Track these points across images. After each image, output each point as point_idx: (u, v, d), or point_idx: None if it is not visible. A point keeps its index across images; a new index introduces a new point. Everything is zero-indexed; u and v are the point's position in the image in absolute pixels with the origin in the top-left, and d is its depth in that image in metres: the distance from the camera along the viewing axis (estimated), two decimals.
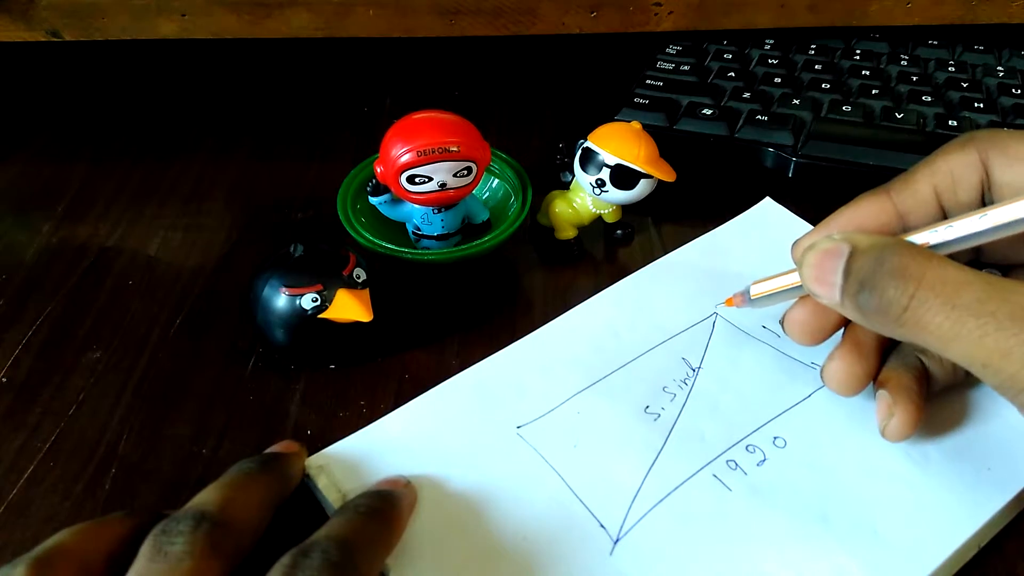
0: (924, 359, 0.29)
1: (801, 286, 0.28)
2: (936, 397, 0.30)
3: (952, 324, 0.22)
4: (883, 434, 0.28)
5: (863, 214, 0.28)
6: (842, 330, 0.30)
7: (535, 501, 0.28)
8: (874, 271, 0.24)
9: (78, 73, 0.54)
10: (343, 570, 0.22)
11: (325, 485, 0.28)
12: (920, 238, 0.26)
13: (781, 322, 0.30)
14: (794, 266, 0.29)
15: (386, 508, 0.26)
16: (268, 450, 0.29)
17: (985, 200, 0.27)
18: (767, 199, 0.40)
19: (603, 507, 0.28)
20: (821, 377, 0.30)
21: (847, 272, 0.25)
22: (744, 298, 0.32)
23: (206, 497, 0.25)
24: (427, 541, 0.27)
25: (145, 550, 0.22)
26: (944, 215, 0.28)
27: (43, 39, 0.47)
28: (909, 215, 0.28)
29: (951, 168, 0.27)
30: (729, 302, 0.32)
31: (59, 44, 0.47)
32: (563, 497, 0.28)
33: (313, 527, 0.25)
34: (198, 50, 0.51)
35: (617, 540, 0.27)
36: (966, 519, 0.27)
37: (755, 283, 0.31)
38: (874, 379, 0.29)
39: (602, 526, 0.27)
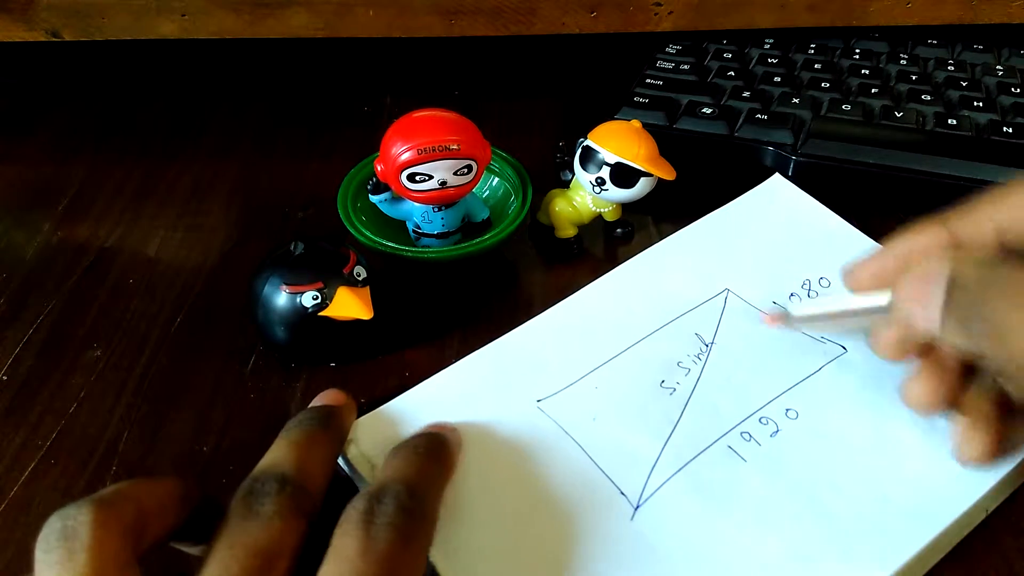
0: (1003, 382, 0.28)
1: (845, 313, 0.29)
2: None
3: None
4: (958, 459, 0.28)
5: (921, 242, 0.27)
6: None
7: (558, 470, 0.29)
8: (982, 293, 0.23)
9: (78, 73, 0.54)
10: (413, 514, 0.23)
11: (355, 456, 0.29)
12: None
13: (900, 392, 0.29)
14: (817, 257, 0.30)
15: (441, 448, 0.28)
16: (318, 400, 0.30)
17: None
18: (776, 175, 0.40)
19: (623, 476, 0.28)
20: (901, 396, 0.29)
21: (949, 297, 0.24)
22: (785, 319, 0.32)
23: (280, 457, 0.25)
24: (454, 509, 0.27)
25: (236, 509, 0.23)
26: (1003, 248, 0.27)
27: (43, 39, 0.47)
28: (967, 246, 0.27)
29: (1017, 210, 0.26)
30: (769, 320, 0.32)
31: (59, 44, 0.48)
32: (584, 467, 0.29)
33: (341, 500, 0.25)
34: (198, 50, 0.51)
35: (637, 506, 0.28)
36: (974, 483, 0.27)
37: (797, 307, 0.32)
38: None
39: (623, 493, 0.28)
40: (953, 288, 0.23)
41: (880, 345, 0.29)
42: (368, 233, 0.36)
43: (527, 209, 0.37)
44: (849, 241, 0.37)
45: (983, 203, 0.27)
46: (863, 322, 0.30)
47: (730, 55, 0.49)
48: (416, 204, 0.36)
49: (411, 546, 0.23)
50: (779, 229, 0.38)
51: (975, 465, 0.27)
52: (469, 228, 0.38)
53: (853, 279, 0.29)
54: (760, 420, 0.30)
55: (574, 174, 0.38)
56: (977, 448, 0.27)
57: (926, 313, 0.24)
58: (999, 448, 0.27)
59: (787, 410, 0.30)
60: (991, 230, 0.27)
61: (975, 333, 0.23)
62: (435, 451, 0.27)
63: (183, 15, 0.46)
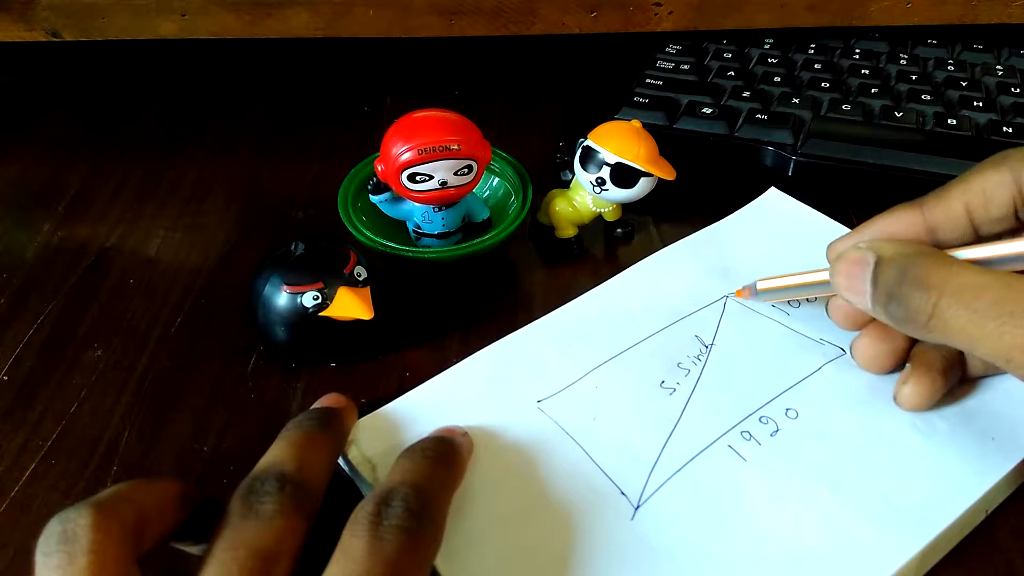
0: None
1: (804, 286, 0.31)
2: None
3: (974, 326, 0.23)
4: (895, 399, 0.30)
5: (895, 225, 0.29)
6: None
7: (558, 470, 0.29)
8: (899, 282, 0.25)
9: (78, 73, 0.54)
10: (421, 518, 0.24)
11: (356, 457, 0.29)
12: (968, 253, 0.26)
13: (851, 350, 0.32)
14: (814, 263, 0.31)
15: (450, 453, 0.28)
16: (319, 403, 0.30)
17: (1019, 217, 0.28)
18: (772, 189, 0.41)
19: (623, 476, 0.28)
20: (851, 353, 0.32)
21: (874, 282, 0.26)
22: (752, 291, 0.33)
23: (280, 457, 0.26)
24: (454, 509, 0.27)
25: (236, 508, 0.23)
26: (975, 231, 0.28)
27: (43, 39, 0.47)
28: (939, 229, 0.28)
29: (984, 186, 0.28)
30: (739, 293, 0.34)
31: (59, 44, 0.48)
32: (585, 466, 0.29)
33: (341, 500, 0.25)
34: (198, 50, 0.51)
35: (638, 506, 0.28)
36: (973, 483, 0.28)
37: (761, 279, 0.33)
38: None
39: (623, 493, 0.28)
40: (877, 274, 0.26)
41: (835, 315, 0.32)
42: (368, 233, 0.36)
43: (527, 209, 0.37)
44: None
45: (955, 185, 0.28)
46: (821, 293, 0.32)
47: (730, 55, 0.49)
48: (416, 204, 0.36)
49: (419, 549, 0.23)
50: (777, 238, 0.38)
51: (911, 410, 0.30)
52: (469, 228, 0.38)
53: (832, 254, 0.30)
54: (760, 419, 0.30)
55: (574, 174, 0.38)
56: (909, 393, 0.29)
57: (858, 295, 0.27)
58: (937, 396, 0.30)
59: (787, 410, 0.30)
60: (961, 210, 0.28)
61: (896, 316, 0.25)
62: (445, 455, 0.27)
63: (183, 15, 0.46)
